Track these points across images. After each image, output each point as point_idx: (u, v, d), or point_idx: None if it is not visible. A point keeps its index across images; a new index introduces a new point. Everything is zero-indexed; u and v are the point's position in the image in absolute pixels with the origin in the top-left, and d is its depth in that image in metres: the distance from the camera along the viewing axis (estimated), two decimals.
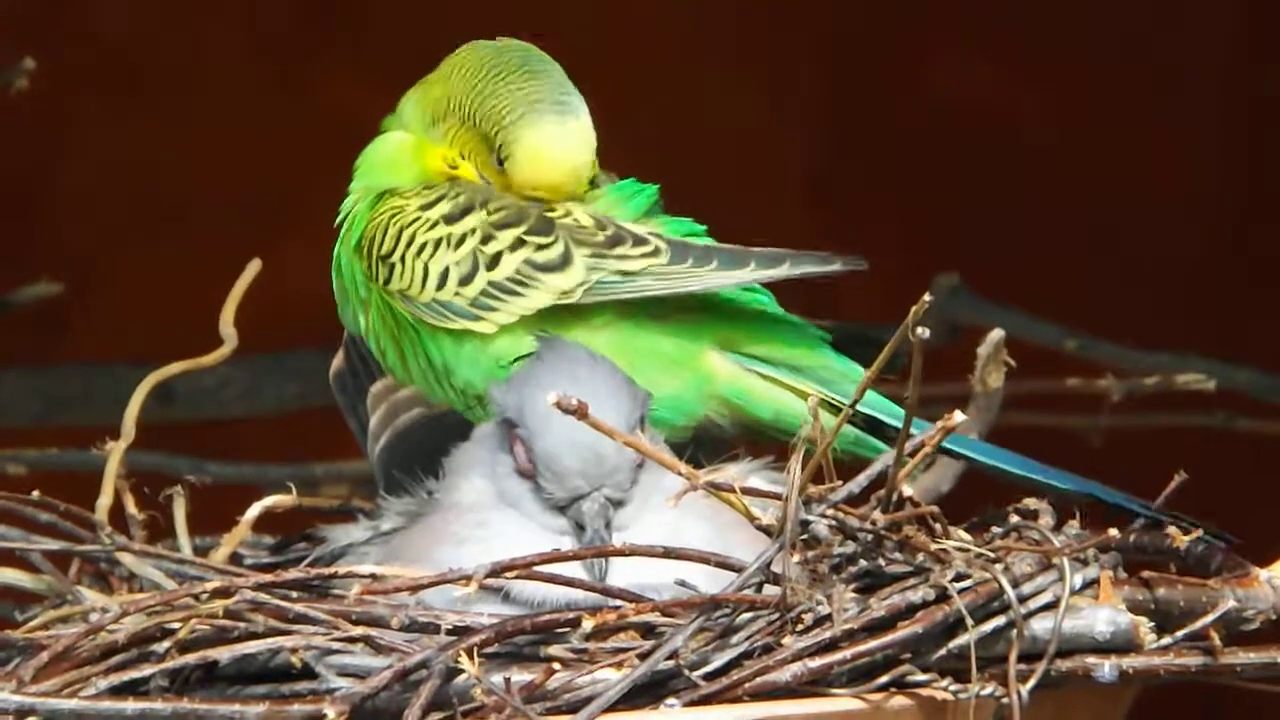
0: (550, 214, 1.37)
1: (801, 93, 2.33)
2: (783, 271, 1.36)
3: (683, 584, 1.24)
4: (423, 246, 1.36)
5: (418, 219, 1.37)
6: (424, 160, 1.40)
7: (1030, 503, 1.34)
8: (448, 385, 1.37)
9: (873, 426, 1.37)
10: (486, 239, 1.36)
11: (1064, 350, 2.02)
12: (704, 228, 1.40)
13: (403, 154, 1.40)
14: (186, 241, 2.20)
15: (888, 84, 2.33)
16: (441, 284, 1.36)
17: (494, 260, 1.36)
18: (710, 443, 1.37)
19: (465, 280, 1.35)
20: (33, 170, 2.27)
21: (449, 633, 1.21)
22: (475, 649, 1.20)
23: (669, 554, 1.23)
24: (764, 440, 1.37)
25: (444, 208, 1.37)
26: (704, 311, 1.37)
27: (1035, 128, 2.31)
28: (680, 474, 1.24)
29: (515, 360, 1.32)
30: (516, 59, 1.38)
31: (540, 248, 1.36)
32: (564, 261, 1.35)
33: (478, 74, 1.38)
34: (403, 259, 1.36)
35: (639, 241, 1.36)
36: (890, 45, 2.32)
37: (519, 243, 1.36)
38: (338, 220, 1.41)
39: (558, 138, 1.36)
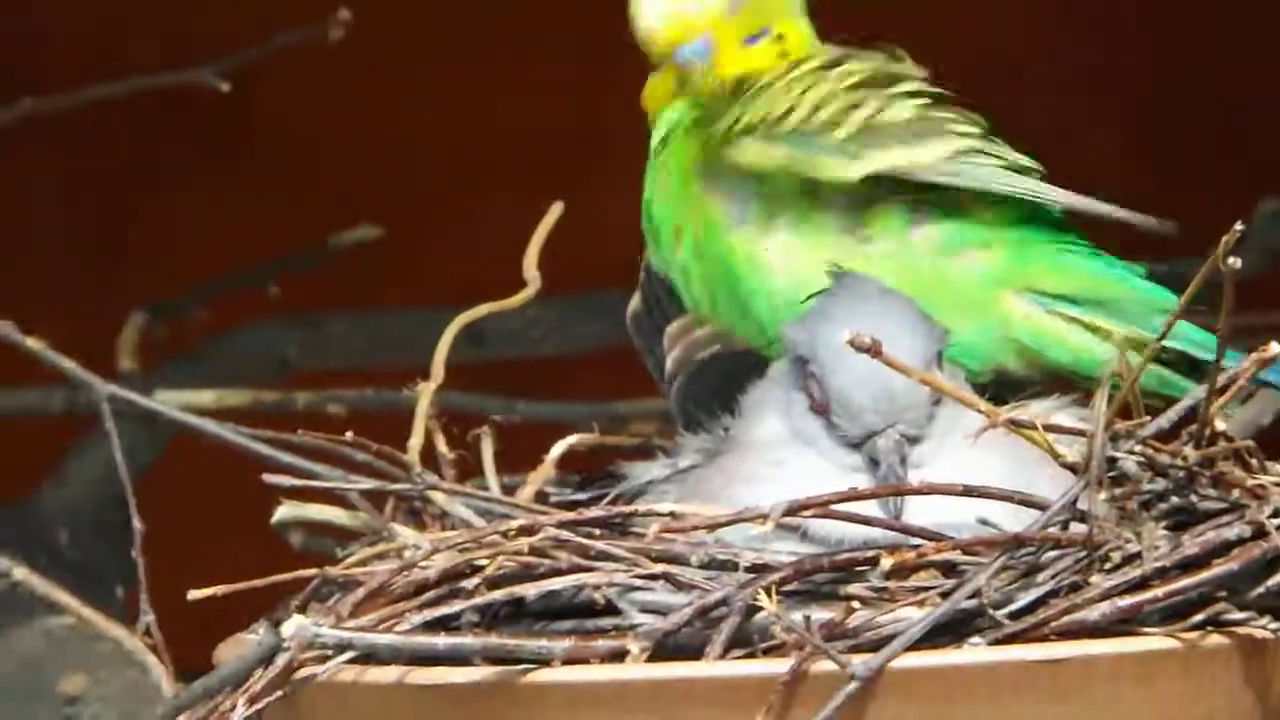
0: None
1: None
2: (1102, 210, 1.32)
3: (984, 522, 1.22)
4: (796, 81, 1.35)
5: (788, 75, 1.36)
6: (651, 97, 1.40)
7: None
8: (749, 317, 1.37)
9: (1186, 365, 1.32)
10: (860, 86, 1.35)
11: None
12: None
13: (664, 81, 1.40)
14: (507, 186, 2.24)
15: None
16: (811, 116, 1.34)
17: (877, 109, 1.34)
18: (1012, 383, 1.35)
19: (838, 116, 1.34)
20: (363, 116, 2.34)
21: (748, 570, 1.22)
22: (774, 587, 1.20)
23: (969, 492, 1.22)
24: (1065, 384, 1.34)
25: (814, 63, 1.36)
26: (1004, 248, 1.35)
27: None
28: (980, 411, 1.23)
29: (809, 297, 1.32)
30: None
31: (916, 109, 1.34)
32: (932, 133, 1.33)
33: None
34: (771, 91, 1.35)
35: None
36: None
37: (893, 99, 1.35)
38: (657, 140, 1.42)
39: None
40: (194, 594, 1.26)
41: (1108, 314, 1.34)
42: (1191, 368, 1.33)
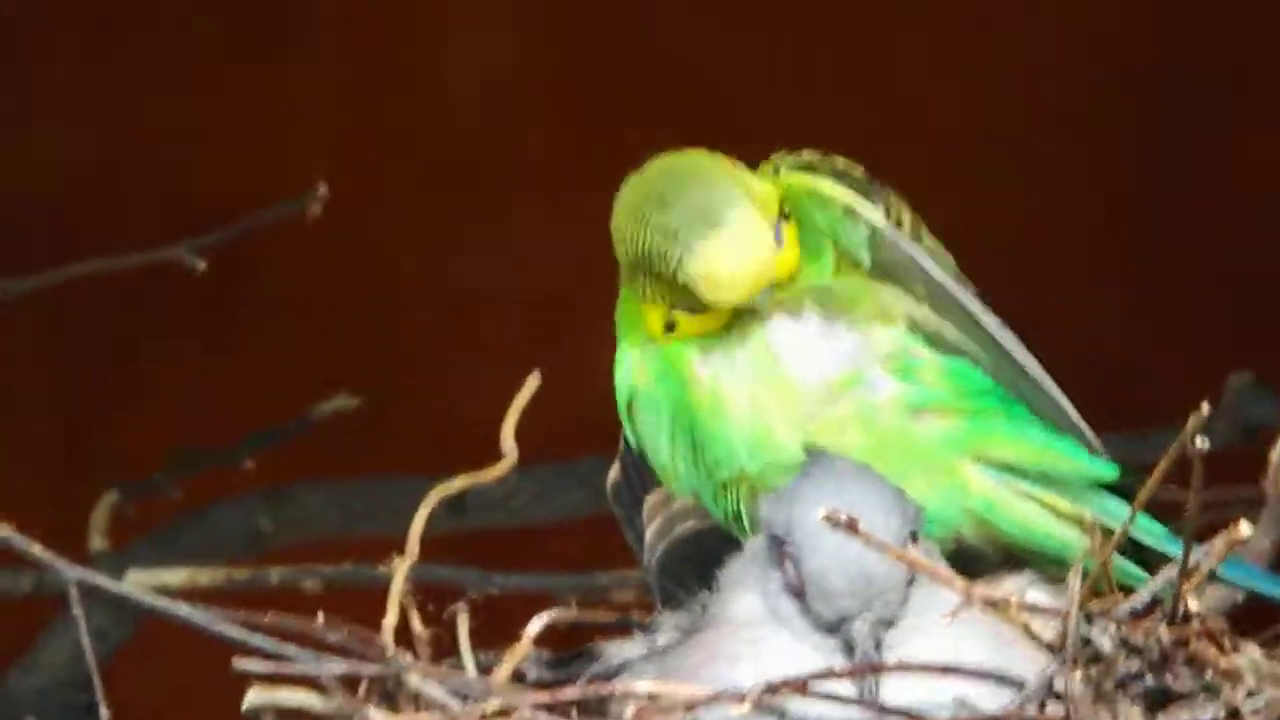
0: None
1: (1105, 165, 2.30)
2: (1065, 409, 1.33)
3: (963, 703, 1.21)
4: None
5: None
6: (647, 325, 1.39)
7: None
8: (702, 471, 1.36)
9: (1133, 549, 1.33)
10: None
11: None
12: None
13: (625, 319, 1.40)
14: (485, 351, 2.25)
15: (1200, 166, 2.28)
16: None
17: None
18: (966, 557, 1.35)
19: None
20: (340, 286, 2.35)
21: None
22: None
23: (947, 670, 1.21)
24: (1016, 560, 1.34)
25: None
26: (961, 415, 1.35)
27: None
28: (955, 589, 1.22)
29: (786, 471, 1.32)
30: (656, 188, 1.34)
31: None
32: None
33: (629, 219, 1.34)
34: None
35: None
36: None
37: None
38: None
39: (717, 255, 1.31)
40: None
41: (1053, 488, 1.35)
42: (1137, 551, 1.33)
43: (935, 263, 1.35)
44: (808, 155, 1.36)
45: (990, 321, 1.35)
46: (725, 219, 1.32)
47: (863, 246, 1.34)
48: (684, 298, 1.35)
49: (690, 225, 1.32)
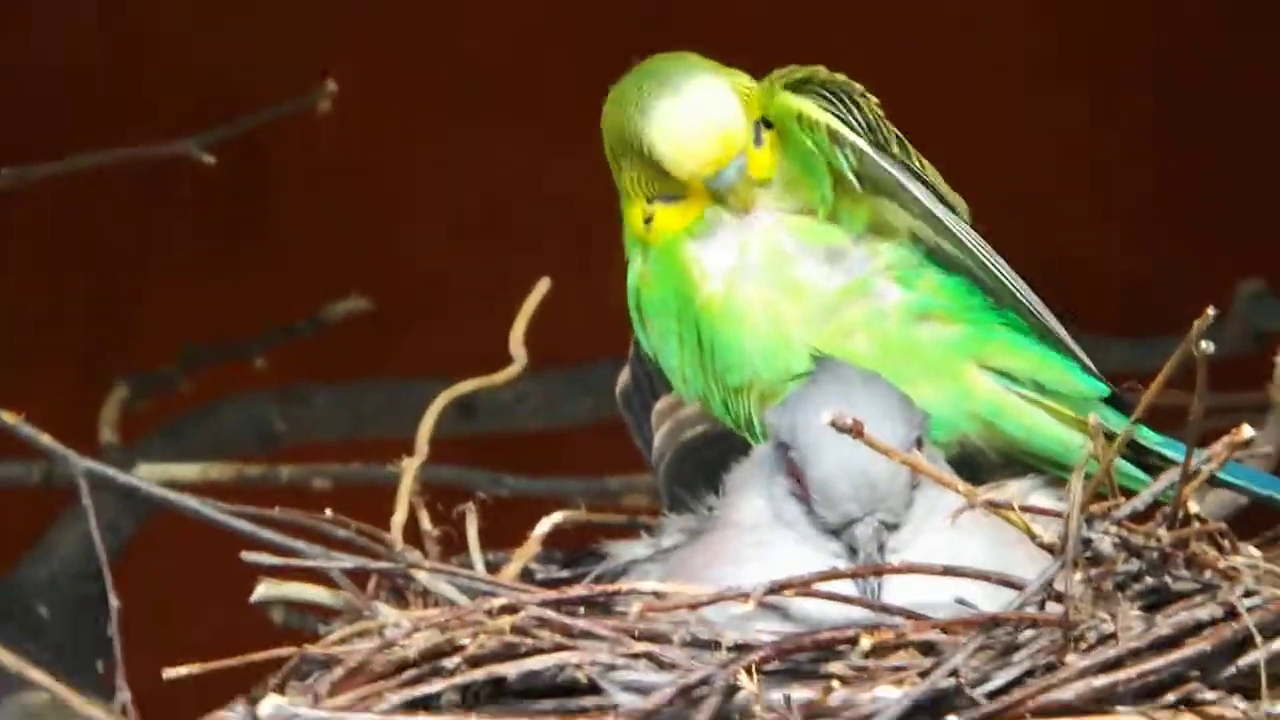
0: None
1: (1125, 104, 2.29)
2: (1054, 329, 1.35)
3: (962, 602, 1.23)
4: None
5: None
6: (631, 224, 1.40)
7: None
8: (712, 379, 1.37)
9: (1134, 452, 1.34)
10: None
11: None
12: None
13: (625, 224, 1.41)
14: (497, 257, 2.25)
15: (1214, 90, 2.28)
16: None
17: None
18: (973, 463, 1.36)
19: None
20: (355, 187, 2.35)
21: (729, 650, 1.22)
22: (755, 666, 1.20)
23: (948, 571, 1.23)
24: (1020, 465, 1.36)
25: None
26: (963, 322, 1.36)
27: None
28: (959, 492, 1.23)
29: (794, 378, 1.33)
30: (637, 78, 1.37)
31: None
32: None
33: (612, 107, 1.37)
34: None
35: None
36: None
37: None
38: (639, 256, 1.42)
39: (676, 115, 1.34)
40: (170, 673, 1.26)
41: (1049, 396, 1.36)
42: (1139, 454, 1.34)
43: (922, 185, 1.36)
44: (800, 72, 1.37)
45: (975, 242, 1.36)
46: (688, 85, 1.35)
47: (850, 167, 1.35)
48: (656, 178, 1.36)
49: (656, 93, 1.35)
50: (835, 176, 1.36)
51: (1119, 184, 2.30)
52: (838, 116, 1.35)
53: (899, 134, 1.37)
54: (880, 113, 1.37)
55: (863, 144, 1.35)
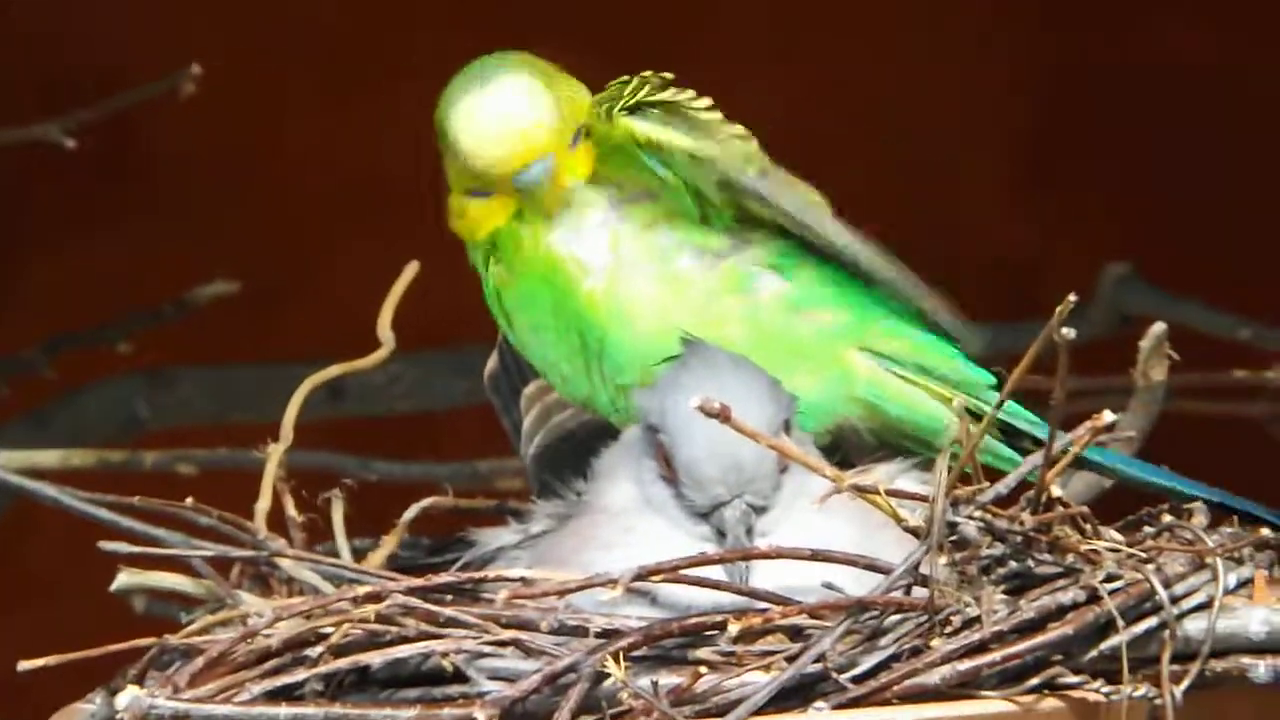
0: None
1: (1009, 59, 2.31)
2: (921, 303, 1.36)
3: (830, 586, 1.23)
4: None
5: None
6: (451, 216, 1.40)
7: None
8: (598, 377, 1.37)
9: (1004, 432, 1.35)
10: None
11: (1238, 340, 1.98)
12: None
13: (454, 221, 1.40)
14: (369, 237, 2.23)
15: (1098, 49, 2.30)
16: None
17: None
18: (851, 447, 1.37)
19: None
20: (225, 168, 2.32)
21: (597, 636, 1.22)
22: (623, 652, 1.20)
23: (815, 556, 1.23)
24: (900, 447, 1.36)
25: None
26: (846, 310, 1.37)
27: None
28: (826, 476, 1.24)
29: (661, 362, 1.33)
30: (461, 73, 1.37)
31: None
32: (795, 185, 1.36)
33: (440, 103, 1.37)
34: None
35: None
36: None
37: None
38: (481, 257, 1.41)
39: (479, 108, 1.34)
40: (24, 665, 1.24)
41: (932, 379, 1.37)
42: (1009, 435, 1.35)
43: (786, 196, 1.36)
44: (632, 93, 1.36)
45: (851, 242, 1.36)
46: (496, 81, 1.35)
47: (713, 186, 1.35)
48: (465, 172, 1.36)
49: (465, 87, 1.35)
50: (692, 192, 1.36)
51: (997, 164, 2.32)
52: (681, 133, 1.35)
53: (741, 131, 1.37)
54: (718, 115, 1.37)
55: (722, 165, 1.35)
